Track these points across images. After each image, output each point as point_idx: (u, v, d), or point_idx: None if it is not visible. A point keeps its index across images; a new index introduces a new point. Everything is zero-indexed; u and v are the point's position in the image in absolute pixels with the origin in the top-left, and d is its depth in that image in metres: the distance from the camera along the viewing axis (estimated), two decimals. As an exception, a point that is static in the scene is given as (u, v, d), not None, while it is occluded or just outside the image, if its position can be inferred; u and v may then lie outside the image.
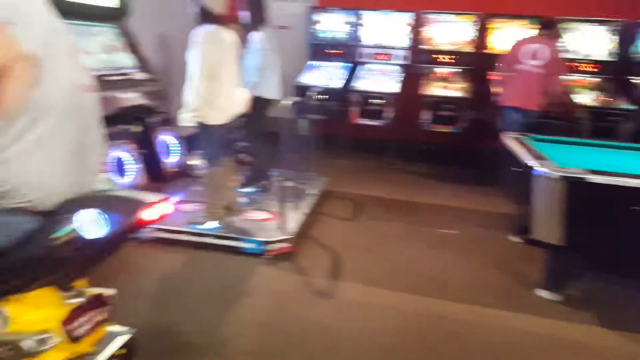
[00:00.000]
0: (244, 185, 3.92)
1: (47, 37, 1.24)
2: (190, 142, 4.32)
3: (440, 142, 5.63)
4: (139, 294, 2.56)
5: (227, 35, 3.02)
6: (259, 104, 3.75)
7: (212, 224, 3.27)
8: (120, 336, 1.73)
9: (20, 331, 1.23)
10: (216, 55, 2.90)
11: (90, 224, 1.15)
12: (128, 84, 3.95)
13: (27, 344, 1.20)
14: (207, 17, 2.94)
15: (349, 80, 5.46)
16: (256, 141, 3.94)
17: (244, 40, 3.70)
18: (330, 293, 2.75)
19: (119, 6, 4.10)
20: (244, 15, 3.82)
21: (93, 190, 1.38)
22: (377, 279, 2.92)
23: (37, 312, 1.27)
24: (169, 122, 4.46)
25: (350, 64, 5.67)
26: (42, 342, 1.21)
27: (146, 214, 1.21)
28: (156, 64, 4.58)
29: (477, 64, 5.37)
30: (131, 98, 3.97)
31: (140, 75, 4.20)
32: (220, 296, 2.66)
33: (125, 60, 4.15)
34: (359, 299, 2.70)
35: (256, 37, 3.80)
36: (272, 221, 3.42)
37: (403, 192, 4.61)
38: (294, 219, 3.44)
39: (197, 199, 3.50)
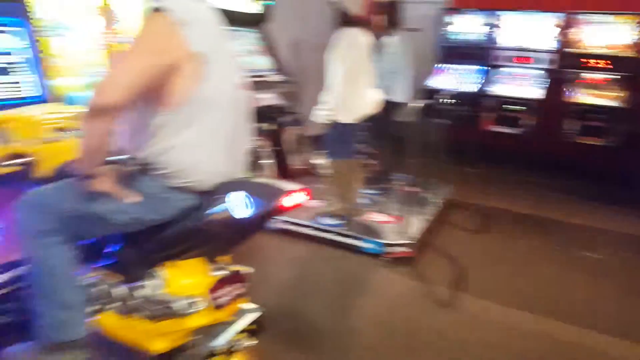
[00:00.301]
0: (367, 186, 3.94)
1: (213, 40, 1.39)
2: (317, 141, 4.49)
3: (587, 156, 5.05)
4: (267, 278, 2.72)
5: (365, 38, 3.08)
6: (388, 107, 3.74)
7: (333, 221, 3.34)
8: (251, 313, 1.85)
9: (174, 293, 1.39)
10: (354, 57, 2.97)
11: (239, 205, 1.26)
12: (264, 85, 4.22)
13: (179, 305, 1.34)
14: (345, 20, 3.02)
15: (482, 85, 5.18)
16: (382, 144, 3.94)
17: (377, 44, 3.73)
18: (451, 303, 2.64)
19: (261, 12, 4.42)
20: (379, 18, 3.84)
21: (241, 176, 1.50)
22: (504, 297, 2.71)
23: (188, 279, 1.42)
24: (299, 122, 4.68)
25: (484, 68, 5.38)
26: (191, 305, 1.35)
27: (286, 201, 1.29)
28: (290, 66, 4.83)
29: (637, 70, 4.72)
30: (266, 98, 4.25)
31: (275, 77, 4.48)
32: (339, 290, 2.71)
33: (263, 62, 4.45)
34: (482, 314, 2.54)
35: (389, 40, 3.79)
36: (392, 224, 3.39)
37: (538, 208, 4.23)
38: (416, 224, 3.37)
39: (321, 196, 3.60)
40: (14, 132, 1.98)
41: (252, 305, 1.86)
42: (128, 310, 1.47)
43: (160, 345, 1.44)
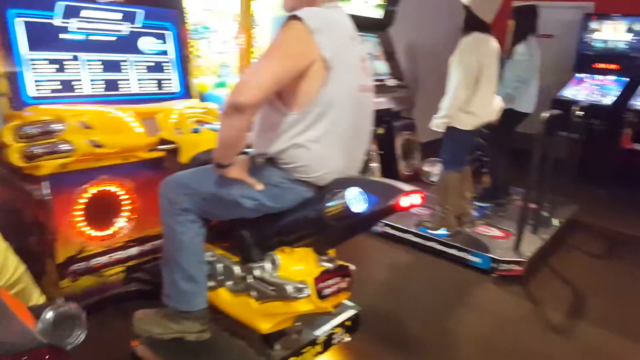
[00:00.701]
0: (479, 198, 3.79)
1: (344, 45, 1.46)
2: (429, 147, 4.41)
3: None
4: (365, 279, 2.75)
5: (493, 44, 2.97)
6: (511, 117, 3.55)
7: (440, 231, 3.27)
8: (349, 309, 1.91)
9: (285, 277, 1.50)
10: (480, 62, 2.88)
11: (356, 200, 1.32)
12: (380, 89, 4.26)
13: (289, 288, 1.45)
14: (475, 24, 2.94)
15: (624, 97, 4.65)
16: (501, 155, 3.75)
17: (506, 49, 3.57)
18: (564, 330, 2.44)
19: (382, 17, 4.47)
20: (512, 23, 3.66)
21: (357, 174, 1.58)
22: (625, 329, 2.44)
23: (299, 265, 1.52)
24: (411, 127, 4.65)
25: (629, 79, 4.81)
26: (299, 290, 1.44)
27: (402, 201, 1.31)
28: (406, 71, 4.81)
29: None
30: (380, 102, 4.29)
31: (391, 82, 4.50)
32: (440, 300, 2.65)
33: (381, 67, 4.50)
34: (598, 345, 2.32)
35: (520, 47, 3.59)
36: (504, 240, 3.22)
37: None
38: (531, 242, 3.16)
39: (429, 204, 3.53)
40: (161, 123, 2.29)
41: (350, 303, 1.92)
42: (241, 289, 1.62)
43: (266, 325, 1.57)
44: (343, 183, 1.40)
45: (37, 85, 2.22)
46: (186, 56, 2.80)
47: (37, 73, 2.22)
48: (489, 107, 3.07)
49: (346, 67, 1.45)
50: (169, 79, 2.76)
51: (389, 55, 4.60)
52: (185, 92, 2.80)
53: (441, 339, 2.30)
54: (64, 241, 1.99)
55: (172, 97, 2.71)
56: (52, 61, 2.28)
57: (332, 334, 1.83)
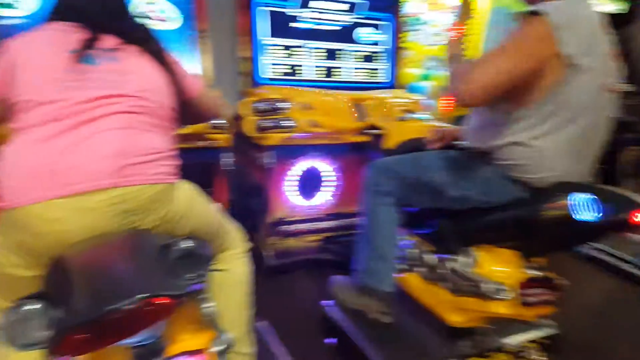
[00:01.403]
0: None
1: (588, 42, 1.30)
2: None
3: None
4: (568, 301, 2.44)
5: None
6: None
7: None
8: (549, 327, 1.72)
9: (484, 275, 1.43)
10: None
11: (580, 207, 1.18)
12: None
13: (487, 287, 1.38)
14: None
15: None
16: None
17: None
18: None
19: (624, 13, 3.86)
20: None
21: (584, 180, 1.40)
22: None
23: (500, 266, 1.43)
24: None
25: None
26: (498, 291, 1.36)
27: (637, 216, 1.12)
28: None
29: None
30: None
31: (625, 87, 3.84)
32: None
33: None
34: None
35: None
36: None
37: None
38: None
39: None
40: (369, 109, 2.40)
41: (550, 320, 1.72)
42: (434, 278, 1.60)
43: (457, 319, 1.52)
44: (566, 187, 1.27)
45: (269, 68, 2.54)
46: (399, 47, 2.87)
47: (271, 57, 2.55)
48: None
49: (590, 65, 1.30)
50: (381, 69, 2.86)
51: (626, 57, 3.93)
52: (394, 82, 2.88)
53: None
54: (277, 204, 2.26)
55: (381, 86, 2.81)
56: (283, 47, 2.58)
57: (526, 347, 1.68)
